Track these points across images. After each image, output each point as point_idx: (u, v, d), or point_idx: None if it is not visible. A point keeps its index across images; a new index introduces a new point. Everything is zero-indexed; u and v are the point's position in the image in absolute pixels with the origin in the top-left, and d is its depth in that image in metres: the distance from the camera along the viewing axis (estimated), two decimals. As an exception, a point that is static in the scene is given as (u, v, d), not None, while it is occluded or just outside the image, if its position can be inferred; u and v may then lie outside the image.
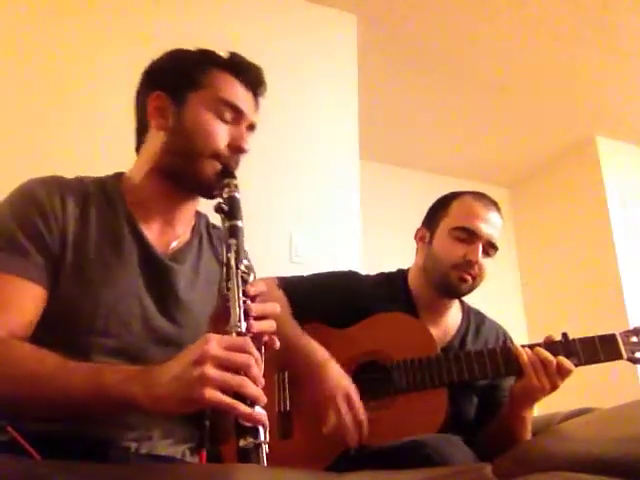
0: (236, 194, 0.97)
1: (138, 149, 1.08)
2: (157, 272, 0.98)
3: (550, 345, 1.28)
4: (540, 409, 1.57)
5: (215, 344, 0.75)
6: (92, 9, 2.21)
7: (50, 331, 0.89)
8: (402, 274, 1.54)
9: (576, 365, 1.24)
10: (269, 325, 0.86)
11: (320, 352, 1.26)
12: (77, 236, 0.93)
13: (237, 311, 0.82)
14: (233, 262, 0.87)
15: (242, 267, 0.87)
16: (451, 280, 1.41)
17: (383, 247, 3.20)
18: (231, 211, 0.95)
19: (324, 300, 1.41)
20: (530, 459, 0.63)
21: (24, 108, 2.01)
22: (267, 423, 0.77)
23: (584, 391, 3.52)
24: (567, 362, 1.23)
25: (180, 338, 0.97)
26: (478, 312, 1.55)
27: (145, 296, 0.96)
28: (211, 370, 0.73)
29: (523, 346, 1.29)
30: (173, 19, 2.33)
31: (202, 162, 0.99)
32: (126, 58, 2.04)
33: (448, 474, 0.69)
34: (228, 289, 0.85)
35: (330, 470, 1.22)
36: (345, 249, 2.42)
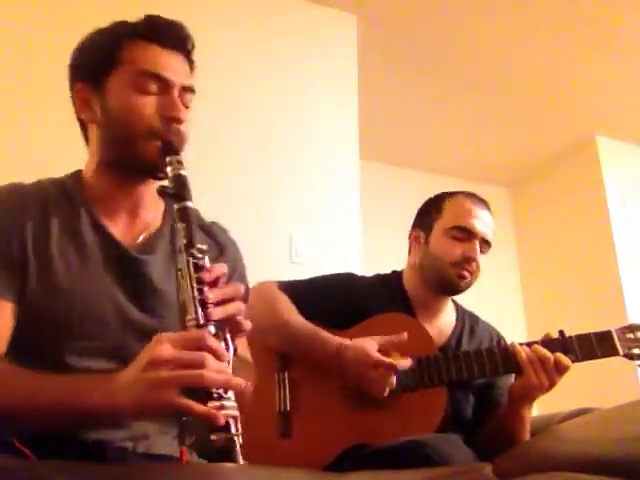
0: (181, 172, 0.88)
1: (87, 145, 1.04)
2: (126, 266, 0.94)
3: (547, 342, 1.29)
4: (540, 409, 1.58)
5: (167, 345, 0.73)
6: (91, 8, 2.21)
7: (25, 341, 0.87)
8: (396, 275, 1.56)
9: (573, 362, 1.25)
10: (235, 308, 0.82)
11: (335, 338, 1.30)
12: (38, 241, 0.90)
13: (192, 302, 0.79)
14: (183, 248, 0.82)
15: (195, 252, 0.82)
16: (450, 277, 1.43)
17: (383, 247, 3.19)
18: (178, 191, 0.87)
19: (323, 303, 1.42)
20: (530, 459, 0.63)
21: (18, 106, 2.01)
22: (236, 414, 0.75)
23: (584, 391, 3.52)
24: (564, 358, 1.24)
25: (161, 330, 0.95)
26: (471, 313, 1.57)
27: (117, 292, 0.92)
28: (164, 373, 0.71)
29: (520, 344, 1.29)
30: (173, 19, 2.33)
31: (140, 144, 0.92)
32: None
33: (448, 474, 0.69)
34: (181, 277, 0.81)
35: (330, 469, 1.22)
36: (345, 249, 2.42)
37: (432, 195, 1.59)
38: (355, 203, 2.51)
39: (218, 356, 0.75)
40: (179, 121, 0.94)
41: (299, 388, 1.36)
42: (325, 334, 1.33)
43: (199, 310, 0.78)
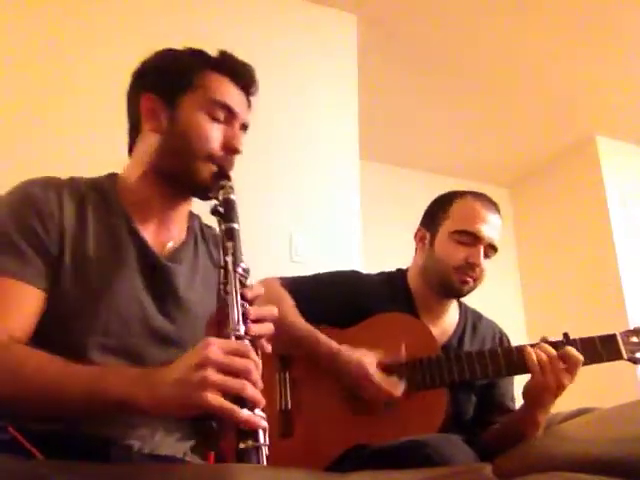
0: (232, 196, 0.96)
1: (131, 150, 1.07)
2: (155, 272, 0.98)
3: (552, 345, 1.28)
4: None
5: (216, 348, 0.75)
6: (90, 8, 2.21)
7: (50, 331, 0.89)
8: (401, 274, 1.55)
9: None
10: (268, 328, 0.86)
11: (332, 343, 1.31)
12: (75, 237, 0.93)
13: (236, 314, 0.82)
14: (231, 265, 0.87)
15: (240, 270, 0.87)
16: (452, 282, 1.41)
17: (383, 247, 3.19)
18: (227, 213, 0.94)
19: (327, 300, 1.42)
20: (530, 459, 0.63)
21: (20, 107, 2.01)
22: (267, 426, 0.77)
23: (584, 391, 3.51)
24: (575, 352, 1.22)
25: (179, 338, 0.97)
26: (474, 311, 1.56)
27: (144, 296, 0.96)
28: (212, 374, 0.73)
29: (508, 349, 1.30)
30: (173, 19, 2.33)
31: (197, 164, 0.98)
32: (124, 57, 2.04)
33: (448, 474, 0.69)
34: (227, 292, 0.85)
35: (331, 469, 1.22)
36: (345, 249, 2.42)
37: (442, 193, 1.56)
38: (355, 203, 2.51)
39: (257, 368, 0.79)
40: (237, 152, 1.02)
41: (300, 388, 1.35)
42: (323, 338, 1.32)
43: (241, 322, 0.82)
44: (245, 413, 0.74)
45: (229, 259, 0.88)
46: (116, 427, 0.88)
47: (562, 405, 1.52)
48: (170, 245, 1.04)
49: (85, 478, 0.59)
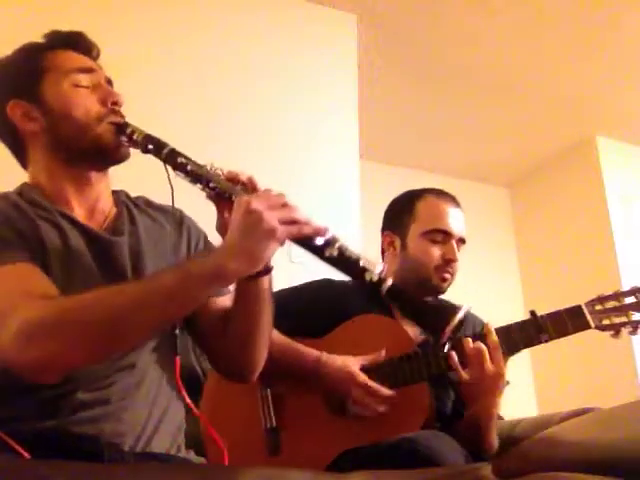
0: (146, 132, 0.98)
1: (25, 163, 1.06)
2: (104, 249, 0.98)
3: (520, 324, 1.28)
4: (540, 409, 1.58)
5: (251, 198, 0.83)
6: (88, 8, 2.21)
7: None
8: None
9: (546, 340, 1.26)
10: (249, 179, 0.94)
11: (313, 351, 1.31)
12: (35, 239, 0.93)
13: (235, 188, 0.91)
14: (197, 169, 0.93)
15: (207, 166, 0.93)
16: (433, 282, 1.44)
17: (383, 247, 3.19)
18: (156, 143, 0.96)
19: (302, 313, 1.40)
20: (530, 459, 0.63)
21: None
22: (329, 230, 0.88)
23: (584, 391, 3.52)
24: (490, 339, 1.24)
25: None
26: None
27: (97, 272, 0.96)
28: (266, 212, 0.81)
29: (478, 335, 1.28)
30: (173, 19, 2.33)
31: (94, 131, 0.98)
32: (122, 57, 2.04)
33: (448, 474, 0.69)
34: (214, 188, 0.92)
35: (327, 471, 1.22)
36: (345, 249, 2.41)
37: (398, 195, 1.59)
38: (355, 203, 2.51)
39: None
40: (117, 104, 1.01)
41: (283, 403, 1.35)
42: (301, 347, 1.31)
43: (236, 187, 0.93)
44: (310, 227, 0.86)
45: (190, 167, 0.93)
46: (106, 423, 0.88)
47: (562, 405, 1.53)
48: (107, 223, 1.04)
49: (84, 478, 0.59)
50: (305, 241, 0.87)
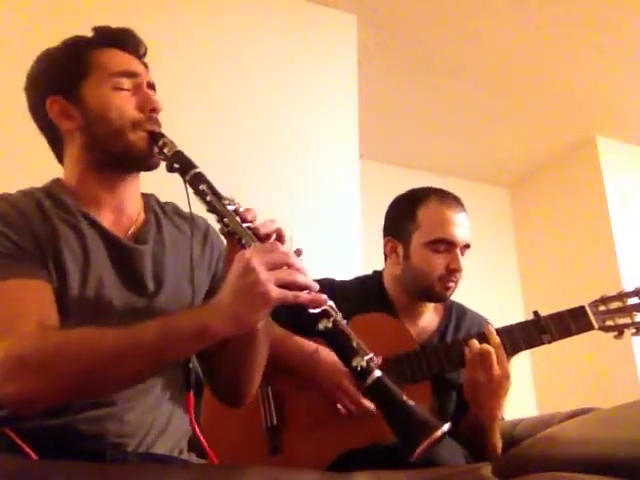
0: (177, 148, 0.96)
1: (61, 159, 1.06)
2: (124, 256, 0.98)
3: (522, 324, 1.28)
4: (540, 409, 1.58)
5: (253, 254, 0.79)
6: (87, 9, 2.21)
7: None
8: (378, 275, 1.54)
9: (549, 341, 1.25)
10: (278, 230, 0.90)
11: (310, 343, 1.30)
12: (49, 242, 0.93)
13: (246, 232, 0.86)
14: (215, 202, 0.89)
15: (225, 201, 0.89)
16: (437, 290, 1.41)
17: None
18: (183, 163, 0.94)
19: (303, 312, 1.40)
20: (530, 459, 0.63)
21: None
22: (331, 303, 0.82)
23: (584, 391, 3.52)
24: (493, 340, 1.24)
25: (159, 308, 0.98)
26: (459, 305, 1.54)
27: (119, 285, 0.96)
28: (263, 272, 0.77)
29: (479, 335, 1.28)
30: (173, 20, 2.33)
31: (127, 137, 0.98)
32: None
33: (448, 474, 0.69)
34: (227, 225, 0.88)
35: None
36: (345, 249, 2.41)
37: (399, 196, 1.55)
38: (355, 203, 2.51)
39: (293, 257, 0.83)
40: (156, 110, 1.01)
41: (283, 402, 1.34)
42: (300, 339, 1.30)
43: (255, 239, 0.86)
44: (307, 295, 0.80)
45: (211, 198, 0.89)
46: (110, 423, 0.88)
47: (562, 405, 1.53)
48: (132, 230, 1.03)
49: (85, 478, 0.59)
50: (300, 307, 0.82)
